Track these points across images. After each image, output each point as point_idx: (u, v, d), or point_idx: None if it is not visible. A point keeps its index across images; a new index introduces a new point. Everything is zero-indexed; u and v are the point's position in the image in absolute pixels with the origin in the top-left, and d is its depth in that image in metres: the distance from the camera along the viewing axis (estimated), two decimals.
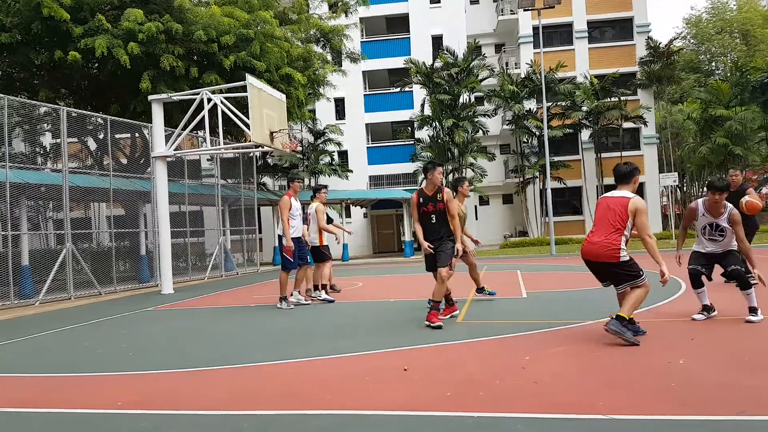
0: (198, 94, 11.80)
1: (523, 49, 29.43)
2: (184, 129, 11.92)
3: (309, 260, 8.88)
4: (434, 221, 6.03)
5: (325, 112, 27.71)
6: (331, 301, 8.68)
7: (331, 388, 3.87)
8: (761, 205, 8.23)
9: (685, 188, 32.78)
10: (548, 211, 20.92)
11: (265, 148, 12.07)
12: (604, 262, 4.83)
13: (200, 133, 16.18)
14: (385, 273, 14.05)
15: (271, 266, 20.87)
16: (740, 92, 26.29)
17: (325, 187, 9.17)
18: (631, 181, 4.98)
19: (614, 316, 4.68)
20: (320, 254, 9.03)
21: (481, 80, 25.60)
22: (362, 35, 27.75)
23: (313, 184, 26.65)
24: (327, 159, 26.35)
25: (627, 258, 4.77)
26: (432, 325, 5.86)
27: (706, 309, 5.76)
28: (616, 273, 4.84)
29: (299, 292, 8.61)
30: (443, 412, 3.24)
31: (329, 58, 20.84)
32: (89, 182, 13.33)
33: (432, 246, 6.00)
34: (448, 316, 6.51)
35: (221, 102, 11.37)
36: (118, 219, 13.88)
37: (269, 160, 25.89)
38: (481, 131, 25.81)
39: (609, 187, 28.76)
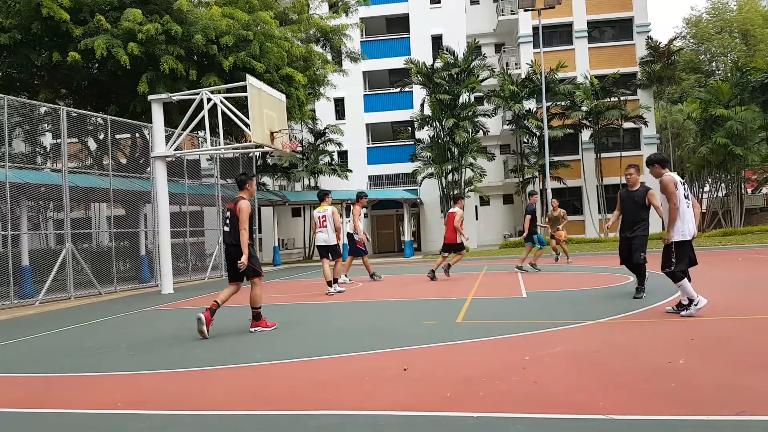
0: (198, 94, 11.80)
1: (523, 49, 29.42)
2: (184, 129, 11.92)
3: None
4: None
5: (325, 112, 27.70)
6: (342, 291, 9.98)
7: (331, 388, 3.87)
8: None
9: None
10: (548, 211, 20.90)
11: (265, 148, 12.07)
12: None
13: (200, 133, 16.18)
14: (385, 273, 14.05)
15: (272, 266, 20.87)
16: (740, 92, 26.28)
17: (330, 192, 10.81)
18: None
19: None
20: (336, 252, 10.07)
21: (481, 80, 25.58)
22: (362, 35, 27.74)
23: (312, 184, 26.64)
24: (327, 159, 26.35)
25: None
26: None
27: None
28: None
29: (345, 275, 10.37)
30: (443, 412, 3.24)
31: (329, 57, 20.83)
32: (89, 182, 13.34)
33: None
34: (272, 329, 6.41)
35: (221, 102, 11.36)
36: (118, 219, 13.89)
37: (269, 160, 25.88)
38: (481, 131, 25.81)
39: (608, 187, 28.59)
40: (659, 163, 6.05)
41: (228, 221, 6.15)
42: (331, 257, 9.88)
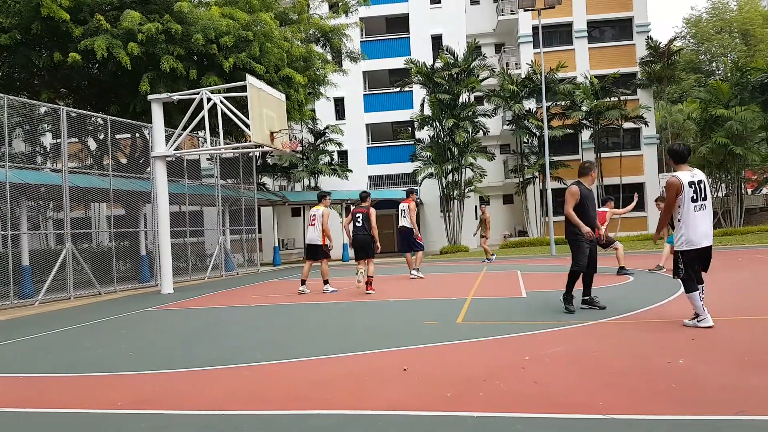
0: (198, 93, 11.80)
1: (523, 49, 29.41)
2: (184, 129, 11.91)
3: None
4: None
5: (325, 112, 27.70)
6: (335, 290, 10.09)
7: (331, 388, 3.87)
8: None
9: None
10: (548, 211, 20.90)
11: (265, 148, 12.08)
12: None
13: (200, 133, 16.18)
14: (385, 273, 14.05)
15: (271, 266, 20.87)
16: (740, 92, 26.26)
17: (329, 193, 10.98)
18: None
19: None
20: (322, 252, 10.11)
21: (482, 80, 25.57)
22: (362, 35, 27.73)
23: (312, 183, 26.65)
24: (327, 159, 26.35)
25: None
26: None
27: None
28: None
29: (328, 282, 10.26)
30: (443, 412, 3.24)
31: (329, 57, 20.83)
32: (89, 182, 13.33)
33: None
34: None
35: (221, 102, 11.36)
36: (118, 219, 13.88)
37: (269, 160, 25.87)
38: (481, 131, 25.81)
39: (609, 188, 28.50)
40: (672, 157, 5.48)
41: (359, 219, 9.30)
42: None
